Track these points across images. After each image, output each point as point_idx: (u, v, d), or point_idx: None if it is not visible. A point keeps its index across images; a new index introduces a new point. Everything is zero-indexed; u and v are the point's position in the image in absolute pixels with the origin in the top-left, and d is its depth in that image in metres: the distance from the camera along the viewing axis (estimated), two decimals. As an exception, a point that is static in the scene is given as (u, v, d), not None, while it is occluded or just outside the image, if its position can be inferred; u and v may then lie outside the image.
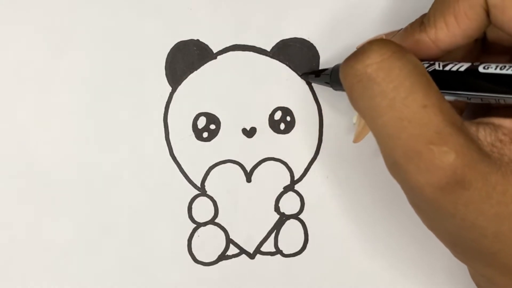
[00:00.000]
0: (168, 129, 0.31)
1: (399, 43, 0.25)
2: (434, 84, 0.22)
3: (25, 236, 0.31)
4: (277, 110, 0.32)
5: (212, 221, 0.32)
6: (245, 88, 0.32)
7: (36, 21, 0.31)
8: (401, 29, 0.26)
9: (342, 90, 0.27)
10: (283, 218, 0.32)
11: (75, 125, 0.31)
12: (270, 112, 0.32)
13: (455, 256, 0.26)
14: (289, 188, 0.32)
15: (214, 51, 0.31)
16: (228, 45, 0.31)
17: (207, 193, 0.32)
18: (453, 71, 0.23)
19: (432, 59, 0.25)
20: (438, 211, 0.22)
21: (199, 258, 0.32)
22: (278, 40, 0.31)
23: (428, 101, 0.21)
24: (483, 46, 0.27)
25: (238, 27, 0.31)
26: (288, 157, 0.32)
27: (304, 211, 0.32)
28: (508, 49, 0.24)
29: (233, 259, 0.32)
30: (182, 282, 0.32)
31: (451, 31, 0.23)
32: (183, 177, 0.32)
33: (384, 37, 0.26)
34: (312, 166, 0.32)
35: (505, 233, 0.22)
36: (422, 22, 0.24)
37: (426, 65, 0.24)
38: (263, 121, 0.32)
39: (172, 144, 0.31)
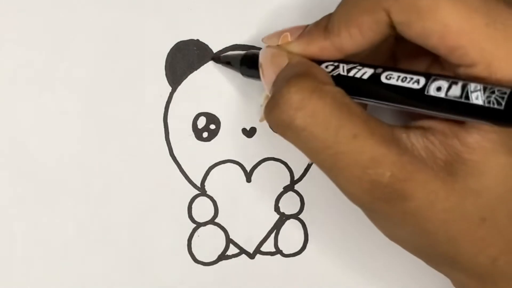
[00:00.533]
0: (168, 129, 0.31)
1: (304, 47, 0.25)
2: (356, 108, 0.23)
3: (25, 236, 0.31)
4: (277, 110, 0.32)
5: (212, 221, 0.32)
6: (245, 88, 0.31)
7: (36, 21, 0.31)
8: (307, 26, 0.26)
9: (253, 78, 0.28)
10: (283, 218, 0.32)
11: (75, 125, 0.31)
12: (270, 112, 0.32)
13: (428, 264, 0.26)
14: (289, 188, 0.32)
15: (214, 51, 0.31)
16: (228, 45, 0.31)
17: (207, 193, 0.32)
18: (356, 77, 0.24)
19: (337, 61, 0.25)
20: (391, 222, 0.24)
21: (199, 258, 0.32)
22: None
23: (356, 130, 0.22)
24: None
25: (238, 27, 0.31)
26: (288, 157, 0.32)
27: (304, 211, 0.32)
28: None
29: (233, 259, 0.32)
30: (182, 282, 0.32)
31: (355, 41, 0.24)
32: (183, 177, 0.32)
33: (289, 35, 0.26)
34: (312, 166, 0.32)
35: (456, 237, 0.23)
36: (326, 28, 0.25)
37: (330, 68, 0.25)
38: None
39: (172, 144, 0.31)
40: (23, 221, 0.31)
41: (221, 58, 0.31)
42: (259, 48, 0.31)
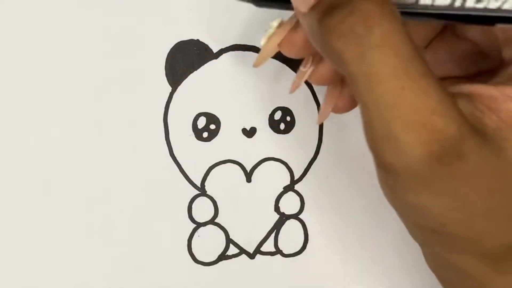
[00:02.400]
0: (168, 129, 0.31)
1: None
2: (420, 49, 0.21)
3: (25, 236, 0.31)
4: (277, 110, 0.32)
5: (212, 221, 0.32)
6: (245, 88, 0.31)
7: (36, 21, 0.31)
8: None
9: (267, 7, 0.25)
10: (283, 218, 0.32)
11: (75, 125, 0.31)
12: (270, 112, 0.32)
13: (421, 241, 0.24)
14: (289, 188, 0.32)
15: (214, 51, 0.31)
16: (228, 45, 0.31)
17: (207, 193, 0.32)
18: None
19: None
20: (429, 188, 0.20)
21: (199, 258, 0.32)
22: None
23: (426, 70, 0.20)
24: None
25: (238, 27, 0.31)
26: (288, 157, 0.32)
27: (304, 211, 0.32)
28: None
29: (233, 259, 0.32)
30: (182, 282, 0.32)
31: None
32: (183, 177, 0.32)
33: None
34: (312, 166, 0.32)
35: (495, 211, 0.21)
36: None
37: None
38: (263, 121, 0.32)
39: (172, 144, 0.31)
40: (23, 221, 0.31)
41: None
42: (259, 48, 0.31)
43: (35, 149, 0.31)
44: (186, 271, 0.32)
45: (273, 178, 0.32)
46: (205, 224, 0.32)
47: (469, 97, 0.21)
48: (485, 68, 0.24)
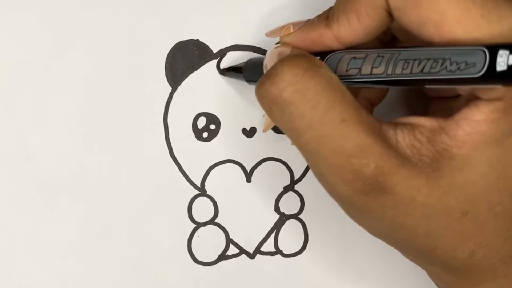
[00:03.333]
0: (168, 129, 0.31)
1: (305, 34, 0.25)
2: (349, 95, 0.22)
3: (25, 236, 0.31)
4: (277, 110, 0.32)
5: (212, 221, 0.32)
6: (245, 88, 0.31)
7: (36, 21, 0.31)
8: (309, 19, 0.26)
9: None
10: (283, 218, 0.32)
11: (75, 125, 0.31)
12: (270, 112, 0.32)
13: (405, 257, 0.27)
14: (289, 188, 0.32)
15: (214, 51, 0.31)
16: (228, 45, 0.31)
17: (207, 193, 0.32)
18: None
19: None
20: (370, 216, 0.23)
21: (199, 258, 0.32)
22: (278, 40, 0.31)
23: (345, 115, 0.22)
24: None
25: (238, 27, 0.31)
26: (288, 157, 0.32)
27: (304, 211, 0.32)
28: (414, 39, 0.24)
29: (233, 259, 0.32)
30: (182, 282, 0.32)
31: (353, 28, 0.24)
32: (183, 177, 0.32)
33: (291, 27, 0.26)
34: (312, 166, 0.32)
35: (436, 232, 0.23)
36: (327, 16, 0.24)
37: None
38: (263, 121, 0.32)
39: (172, 144, 0.31)
40: (23, 221, 0.31)
41: (226, 68, 0.31)
42: (259, 48, 0.31)
43: (35, 149, 0.31)
44: (186, 271, 0.32)
45: (273, 178, 0.32)
46: (205, 224, 0.32)
47: (412, 127, 0.23)
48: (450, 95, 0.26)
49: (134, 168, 0.31)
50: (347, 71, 0.24)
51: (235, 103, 0.32)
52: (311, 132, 0.22)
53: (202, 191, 0.32)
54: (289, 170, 0.32)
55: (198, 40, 0.31)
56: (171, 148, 0.31)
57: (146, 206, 0.31)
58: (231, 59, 0.31)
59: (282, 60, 0.23)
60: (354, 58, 0.24)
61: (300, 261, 0.32)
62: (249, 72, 0.29)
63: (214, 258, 0.32)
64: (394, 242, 0.25)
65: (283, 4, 0.31)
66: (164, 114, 0.31)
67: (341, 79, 0.23)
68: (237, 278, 0.32)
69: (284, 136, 0.32)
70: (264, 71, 0.27)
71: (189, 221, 0.32)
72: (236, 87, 0.32)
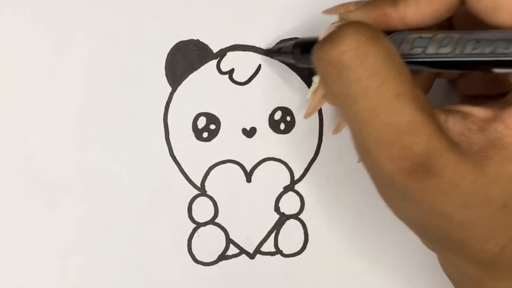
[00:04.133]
0: (168, 129, 0.31)
1: (367, 12, 0.24)
2: (406, 71, 0.22)
3: (25, 236, 0.31)
4: (277, 110, 0.32)
5: (212, 221, 0.32)
6: (245, 88, 0.32)
7: (36, 20, 0.31)
8: None
9: (307, 66, 0.27)
10: (283, 218, 0.32)
11: (75, 125, 0.31)
12: (270, 112, 0.32)
13: (425, 245, 0.26)
14: (289, 188, 0.32)
15: (214, 51, 0.31)
16: (228, 45, 0.31)
17: (207, 193, 0.32)
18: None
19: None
20: (407, 198, 0.22)
21: (199, 258, 0.32)
22: (278, 40, 0.31)
23: (401, 90, 0.21)
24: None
25: (238, 27, 0.31)
26: (288, 157, 0.32)
27: (304, 211, 0.32)
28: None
29: (233, 259, 0.32)
30: (182, 282, 0.32)
31: (421, 9, 0.23)
32: (183, 177, 0.32)
33: (353, 4, 0.25)
34: (312, 166, 0.32)
35: (472, 222, 0.22)
36: None
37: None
38: (263, 121, 0.32)
39: (172, 144, 0.31)
40: (23, 221, 0.31)
41: (276, 49, 0.30)
42: (259, 48, 0.31)
43: (35, 149, 0.31)
44: (186, 271, 0.32)
45: (273, 178, 0.32)
46: (205, 224, 0.32)
47: (464, 115, 0.22)
48: (503, 91, 0.25)
49: (134, 168, 0.31)
50: (410, 49, 0.23)
51: (235, 103, 0.32)
52: (365, 101, 0.21)
53: (202, 191, 0.32)
54: (289, 170, 0.32)
55: (198, 40, 0.31)
56: (171, 148, 0.31)
57: (146, 206, 0.31)
58: (232, 59, 0.31)
59: (346, 25, 0.22)
60: (420, 37, 0.23)
61: (300, 261, 0.32)
62: (300, 53, 0.28)
63: (214, 258, 0.32)
64: (423, 229, 0.24)
65: (283, 4, 0.31)
66: (164, 114, 0.31)
67: (403, 58, 0.23)
68: (237, 278, 0.32)
69: (285, 136, 0.32)
70: None
71: (189, 221, 0.32)
72: (236, 87, 0.32)
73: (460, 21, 0.26)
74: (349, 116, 0.22)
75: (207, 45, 0.31)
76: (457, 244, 0.23)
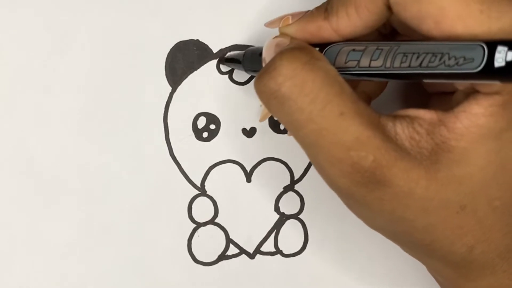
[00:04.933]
0: (168, 129, 0.31)
1: (303, 26, 0.25)
2: (348, 88, 0.23)
3: (25, 236, 0.31)
4: (277, 110, 0.32)
5: (212, 221, 0.32)
6: (245, 88, 0.32)
7: (36, 20, 0.31)
8: (308, 10, 0.26)
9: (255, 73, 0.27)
10: (283, 218, 0.32)
11: (75, 125, 0.31)
12: (270, 112, 0.32)
13: (405, 251, 0.26)
14: (289, 188, 0.32)
15: (214, 51, 0.31)
16: (228, 45, 0.31)
17: (207, 193, 0.32)
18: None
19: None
20: (368, 208, 0.23)
21: (199, 258, 0.32)
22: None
23: (344, 108, 0.22)
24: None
25: (238, 27, 0.31)
26: (288, 157, 0.32)
27: (304, 211, 0.32)
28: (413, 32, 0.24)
29: (233, 259, 0.32)
30: (182, 282, 0.32)
31: (352, 21, 0.24)
32: (183, 177, 0.32)
33: (290, 18, 0.26)
34: (312, 166, 0.32)
35: (434, 226, 0.23)
36: (326, 9, 0.24)
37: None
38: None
39: (172, 144, 0.31)
40: (23, 221, 0.31)
41: (225, 59, 0.31)
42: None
43: (35, 149, 0.31)
44: (186, 271, 0.32)
45: (273, 178, 0.32)
46: (205, 224, 0.32)
47: (411, 119, 0.23)
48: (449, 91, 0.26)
49: (134, 168, 0.31)
50: (345, 63, 0.24)
51: (235, 103, 0.32)
52: (310, 125, 0.22)
53: (202, 191, 0.32)
54: (289, 170, 0.32)
55: (198, 40, 0.31)
56: (171, 148, 0.31)
57: (146, 206, 0.31)
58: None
59: (281, 53, 0.23)
60: (353, 50, 0.24)
61: (300, 261, 0.32)
62: (248, 62, 0.29)
63: (214, 258, 0.32)
64: (393, 236, 0.25)
65: (283, 4, 0.31)
66: (164, 114, 0.31)
67: (339, 71, 0.23)
68: (237, 278, 0.32)
69: (284, 136, 0.32)
70: (262, 63, 0.27)
71: (189, 221, 0.32)
72: (236, 87, 0.32)
73: (400, 25, 0.26)
74: (298, 139, 0.24)
75: (207, 45, 0.31)
76: (427, 247, 0.24)
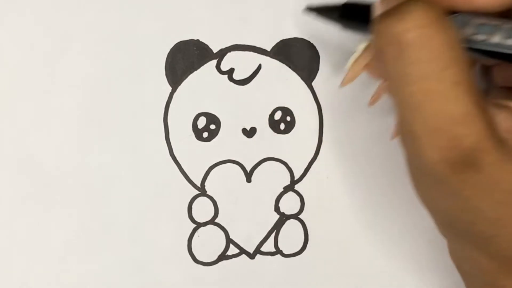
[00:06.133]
0: (168, 129, 0.31)
1: None
2: (465, 59, 0.21)
3: (25, 236, 0.31)
4: (277, 110, 0.32)
5: (212, 221, 0.32)
6: (245, 88, 0.32)
7: (36, 21, 0.31)
8: None
9: (354, 31, 0.26)
10: (283, 218, 0.32)
11: (75, 125, 0.31)
12: (270, 112, 0.32)
13: (441, 232, 0.25)
14: (289, 188, 0.32)
15: (214, 51, 0.31)
16: (228, 45, 0.31)
17: (207, 193, 0.32)
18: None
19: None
20: (443, 189, 0.22)
21: (199, 258, 0.32)
22: (278, 40, 0.31)
23: (460, 78, 0.20)
24: None
25: (238, 27, 0.31)
26: (288, 157, 0.32)
27: (304, 211, 0.32)
28: None
29: (233, 259, 0.32)
30: (182, 282, 0.32)
31: None
32: (183, 177, 0.32)
33: None
34: (312, 166, 0.32)
35: (505, 220, 0.22)
36: None
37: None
38: (263, 121, 0.32)
39: (172, 144, 0.31)
40: (23, 221, 0.31)
41: (317, 8, 0.28)
42: (259, 48, 0.31)
43: (35, 149, 0.31)
44: (186, 271, 0.32)
45: (273, 178, 0.32)
46: (205, 224, 0.32)
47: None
48: None
49: (134, 168, 0.31)
50: (473, 35, 0.22)
51: (235, 103, 0.32)
52: (423, 83, 0.20)
53: (202, 191, 0.32)
54: (289, 170, 0.32)
55: (198, 40, 0.31)
56: (171, 148, 0.31)
57: (146, 206, 0.31)
58: (232, 59, 0.31)
59: (413, 1, 0.21)
60: (484, 24, 0.22)
61: (300, 261, 0.32)
62: (349, 13, 0.26)
63: (214, 258, 0.32)
64: (450, 221, 0.23)
65: (283, 4, 0.31)
66: (164, 114, 0.31)
67: (463, 43, 0.22)
68: (237, 278, 0.32)
69: (285, 136, 0.32)
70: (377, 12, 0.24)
71: (189, 221, 0.32)
72: (236, 87, 0.32)
73: None
74: (400, 97, 0.21)
75: (207, 45, 0.31)
76: (485, 240, 0.23)
